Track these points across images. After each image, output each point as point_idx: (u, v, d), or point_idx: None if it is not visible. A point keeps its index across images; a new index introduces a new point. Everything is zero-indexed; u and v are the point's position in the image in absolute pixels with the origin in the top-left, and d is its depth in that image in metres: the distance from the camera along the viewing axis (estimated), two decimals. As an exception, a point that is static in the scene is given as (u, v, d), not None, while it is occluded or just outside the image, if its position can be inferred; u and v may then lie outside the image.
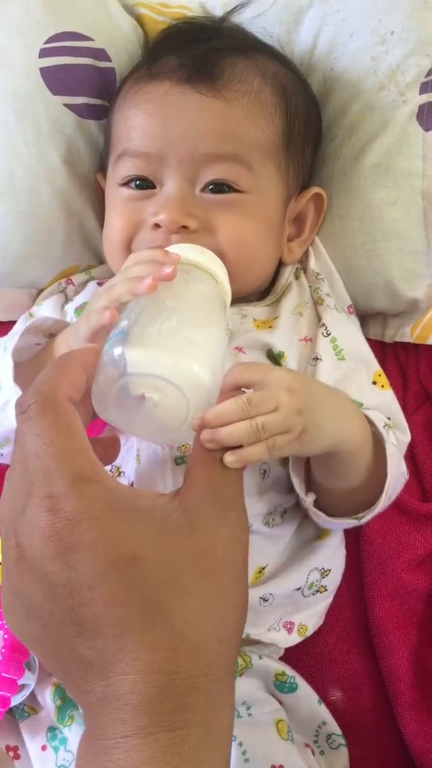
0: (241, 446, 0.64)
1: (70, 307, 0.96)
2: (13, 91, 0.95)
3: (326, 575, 0.89)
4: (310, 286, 0.97)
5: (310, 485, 0.83)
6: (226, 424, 0.63)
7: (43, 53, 0.95)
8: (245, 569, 0.63)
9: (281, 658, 0.89)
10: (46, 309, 0.97)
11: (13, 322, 0.98)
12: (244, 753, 0.75)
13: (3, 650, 0.81)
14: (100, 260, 1.04)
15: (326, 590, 0.89)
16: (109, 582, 0.55)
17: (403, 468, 0.84)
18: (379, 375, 0.90)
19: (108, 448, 0.72)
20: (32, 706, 0.86)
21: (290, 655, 0.89)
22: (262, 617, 0.85)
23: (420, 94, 0.94)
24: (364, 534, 0.95)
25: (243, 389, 0.67)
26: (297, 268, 0.98)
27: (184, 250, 0.78)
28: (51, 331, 0.88)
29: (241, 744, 0.76)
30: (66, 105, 0.97)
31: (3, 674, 0.80)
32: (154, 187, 0.88)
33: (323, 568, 0.89)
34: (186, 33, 0.95)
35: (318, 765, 0.82)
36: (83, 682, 0.56)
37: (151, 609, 0.55)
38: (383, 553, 0.94)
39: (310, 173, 0.99)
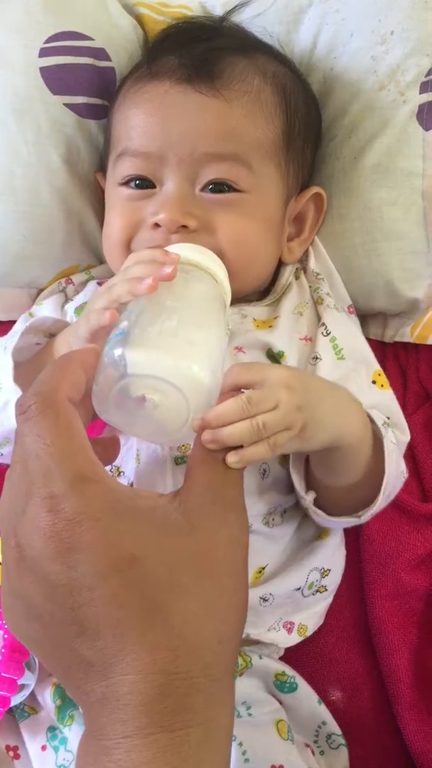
0: (241, 446, 0.64)
1: (70, 307, 0.96)
2: (12, 90, 0.95)
3: (326, 575, 0.89)
4: (310, 286, 0.97)
5: (309, 484, 0.83)
6: (227, 424, 0.63)
7: (43, 53, 0.95)
8: (245, 569, 0.63)
9: (281, 658, 0.89)
10: (46, 309, 0.97)
11: (13, 322, 0.98)
12: (244, 753, 0.75)
13: (3, 650, 0.81)
14: (100, 260, 1.04)
15: (326, 590, 0.89)
16: (109, 582, 0.55)
17: (403, 467, 0.84)
18: (379, 374, 0.90)
19: (108, 448, 0.72)
20: (32, 705, 0.86)
21: (290, 655, 0.89)
22: (262, 617, 0.85)
23: (420, 93, 0.94)
24: (364, 534, 0.95)
25: (243, 389, 0.67)
26: (297, 268, 0.98)
27: (184, 250, 0.78)
28: (51, 331, 0.88)
29: (241, 744, 0.76)
30: (66, 104, 0.97)
31: (3, 674, 0.80)
32: (153, 186, 0.88)
33: (323, 568, 0.89)
34: (186, 32, 0.95)
35: (318, 765, 0.82)
36: (83, 682, 0.56)
37: (151, 609, 0.55)
38: (383, 552, 0.94)
39: (310, 173, 0.99)
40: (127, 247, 0.88)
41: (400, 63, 0.94)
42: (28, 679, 0.82)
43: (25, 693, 0.83)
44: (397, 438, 0.83)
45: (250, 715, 0.81)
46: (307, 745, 0.83)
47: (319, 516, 0.82)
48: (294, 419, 0.66)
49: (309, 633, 0.89)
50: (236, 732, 0.63)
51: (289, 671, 0.86)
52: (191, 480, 0.62)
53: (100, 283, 0.96)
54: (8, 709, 0.82)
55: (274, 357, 0.88)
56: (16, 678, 0.80)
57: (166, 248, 0.79)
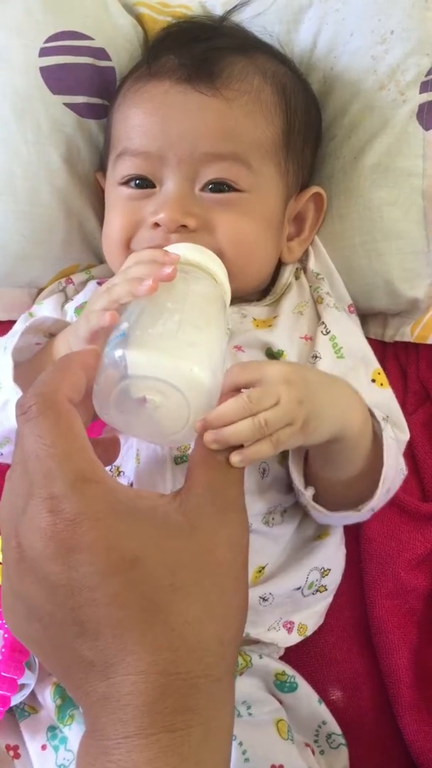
0: (242, 446, 0.64)
1: (70, 307, 0.96)
2: (12, 90, 0.95)
3: (326, 575, 0.89)
4: (310, 286, 0.97)
5: (308, 480, 0.83)
6: (229, 424, 0.63)
7: (43, 52, 0.95)
8: (245, 570, 0.63)
9: (281, 658, 0.89)
10: (46, 308, 0.98)
11: (13, 322, 0.98)
12: (244, 752, 0.75)
13: (3, 650, 0.81)
14: (100, 259, 1.04)
15: (326, 590, 0.89)
16: (109, 583, 0.55)
17: (402, 464, 0.84)
18: (378, 373, 0.90)
19: (108, 448, 0.72)
20: (32, 705, 0.86)
21: (290, 655, 0.89)
22: (261, 617, 0.85)
23: (420, 93, 0.94)
24: (364, 533, 0.95)
25: (243, 389, 0.67)
26: (297, 268, 0.98)
27: (184, 250, 0.78)
28: (51, 331, 0.88)
29: (241, 743, 0.76)
30: (66, 104, 0.97)
31: (3, 673, 0.80)
32: (153, 186, 0.88)
33: (323, 568, 0.89)
34: (186, 32, 0.95)
35: (318, 764, 0.82)
36: (84, 682, 0.56)
37: (152, 610, 0.55)
38: (383, 552, 0.94)
39: (310, 173, 0.99)
40: (127, 247, 0.88)
41: (400, 62, 0.94)
42: (28, 679, 0.82)
43: (26, 692, 0.83)
44: (396, 436, 0.83)
45: (250, 714, 0.81)
46: (307, 745, 0.83)
47: (319, 511, 0.82)
48: (296, 414, 0.66)
49: (309, 633, 0.89)
50: (236, 731, 0.63)
51: (289, 671, 0.86)
52: (192, 480, 0.62)
53: (100, 283, 0.96)
54: (8, 709, 0.82)
55: (274, 356, 0.88)
56: (16, 677, 0.80)
57: (165, 248, 0.79)
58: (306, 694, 0.86)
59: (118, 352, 0.62)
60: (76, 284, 1.02)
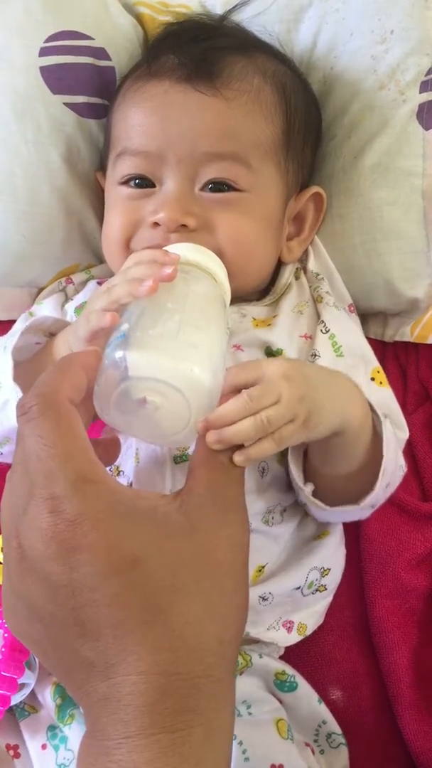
0: (242, 445, 0.64)
1: (70, 306, 0.96)
2: (13, 90, 0.95)
3: (326, 574, 0.89)
4: (310, 285, 0.97)
5: (308, 476, 0.83)
6: (231, 424, 0.63)
7: (43, 52, 0.95)
8: (246, 570, 0.63)
9: (281, 657, 0.89)
10: (46, 308, 0.97)
11: (13, 322, 0.98)
12: (244, 752, 0.76)
13: (3, 649, 0.81)
14: (100, 259, 1.04)
15: (326, 589, 0.89)
16: (110, 583, 0.55)
17: (401, 461, 0.84)
18: (378, 372, 0.90)
19: (109, 449, 0.72)
20: (32, 704, 0.86)
21: (290, 654, 0.89)
22: (261, 616, 0.85)
23: (420, 93, 0.94)
24: (364, 533, 0.96)
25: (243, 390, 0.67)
26: (297, 268, 0.98)
27: (184, 250, 0.78)
28: (51, 331, 0.88)
29: (241, 743, 0.76)
30: (66, 104, 0.97)
31: (3, 673, 0.80)
32: (153, 185, 0.88)
33: (323, 567, 0.89)
34: (186, 32, 0.95)
35: (318, 764, 0.82)
36: (85, 682, 0.56)
37: (152, 610, 0.56)
38: (383, 552, 0.94)
39: (310, 172, 0.99)
40: (127, 246, 0.88)
41: (400, 62, 0.94)
42: (28, 678, 0.82)
43: (26, 692, 0.83)
44: (395, 434, 0.83)
45: (250, 714, 0.81)
46: (307, 744, 0.83)
47: (318, 507, 0.82)
48: (297, 410, 0.66)
49: (309, 632, 0.89)
50: (236, 731, 0.63)
51: (289, 670, 0.86)
52: (193, 481, 0.62)
53: (100, 283, 0.97)
54: (8, 708, 0.82)
55: (273, 355, 0.88)
56: (16, 677, 0.81)
57: (165, 248, 0.79)
58: (306, 693, 0.86)
59: (119, 354, 0.62)
60: (76, 284, 1.02)
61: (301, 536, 0.89)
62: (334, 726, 0.86)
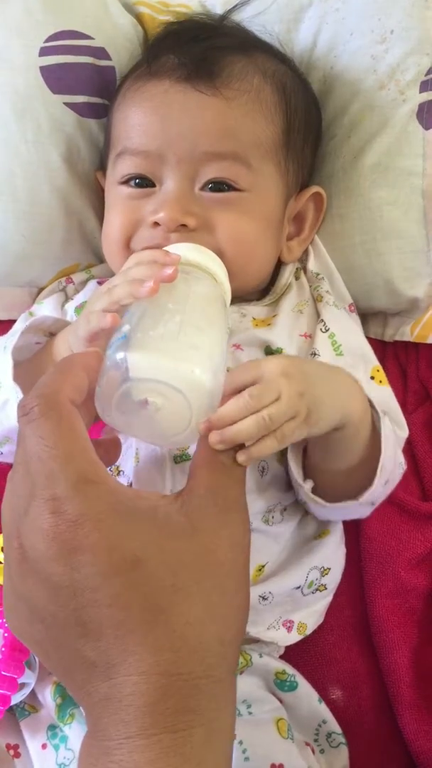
0: (243, 445, 0.64)
1: (70, 306, 0.96)
2: (13, 90, 0.95)
3: (326, 574, 0.89)
4: (310, 285, 0.97)
5: (307, 474, 0.83)
6: (233, 423, 0.63)
7: (43, 52, 0.95)
8: (247, 570, 0.63)
9: (281, 657, 0.89)
10: (46, 308, 0.98)
11: (13, 321, 0.98)
12: (244, 751, 0.76)
13: (3, 649, 0.81)
14: (100, 259, 1.04)
15: (326, 589, 0.90)
16: (111, 584, 0.55)
17: (401, 458, 0.85)
18: (378, 370, 0.90)
19: (109, 449, 0.72)
20: (32, 704, 0.86)
21: (291, 654, 0.89)
22: (261, 615, 0.85)
23: (420, 92, 0.94)
24: (364, 532, 0.96)
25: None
26: (297, 268, 0.98)
27: (184, 250, 0.78)
28: (51, 330, 0.88)
29: (241, 742, 0.76)
30: (66, 104, 0.97)
31: (3, 673, 0.80)
32: (153, 185, 0.88)
33: (323, 567, 0.89)
34: (185, 31, 0.95)
35: (318, 763, 0.82)
36: (86, 683, 0.56)
37: (153, 611, 0.56)
38: (383, 551, 0.94)
39: (310, 172, 0.99)
40: (127, 246, 0.88)
41: (400, 62, 0.94)
42: (29, 678, 0.82)
43: (26, 691, 0.83)
44: (395, 432, 0.83)
45: (250, 713, 0.81)
46: (307, 744, 0.83)
47: (318, 504, 0.82)
48: (298, 407, 0.67)
49: (309, 631, 0.89)
50: (236, 730, 0.63)
51: (290, 670, 0.87)
52: (193, 481, 0.62)
53: (100, 282, 0.97)
54: (8, 708, 0.82)
55: (273, 354, 0.88)
56: (16, 676, 0.80)
57: (166, 248, 0.79)
58: (306, 693, 0.86)
59: (120, 355, 0.62)
60: (76, 284, 1.02)
61: (302, 535, 0.89)
62: (334, 725, 0.86)
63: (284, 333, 0.89)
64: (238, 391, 0.66)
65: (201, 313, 0.69)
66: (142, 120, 0.88)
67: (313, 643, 0.91)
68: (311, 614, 0.89)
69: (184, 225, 0.84)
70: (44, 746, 0.83)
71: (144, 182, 0.88)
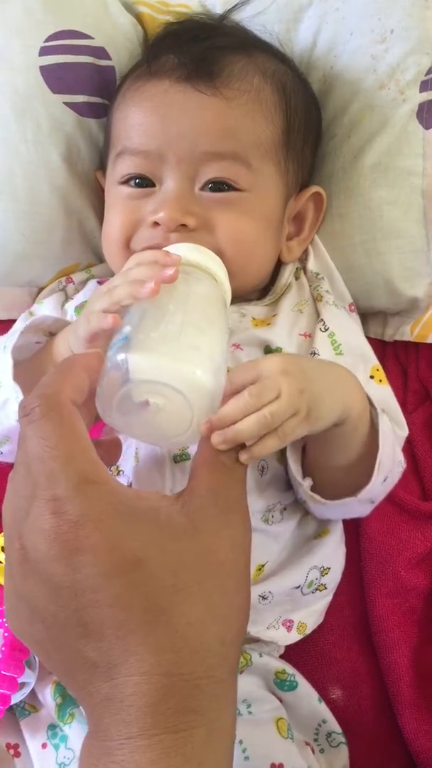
0: (244, 445, 0.64)
1: (70, 306, 0.96)
2: (12, 89, 0.95)
3: (326, 573, 0.89)
4: (310, 285, 0.97)
5: (306, 472, 0.83)
6: (234, 423, 0.63)
7: (43, 52, 0.95)
8: (248, 570, 0.63)
9: (281, 656, 0.89)
10: (46, 307, 0.97)
11: (13, 321, 0.98)
12: (244, 751, 0.76)
13: (3, 648, 0.81)
14: (100, 258, 1.04)
15: (326, 588, 0.90)
16: (113, 584, 0.55)
17: (400, 456, 0.85)
18: (377, 370, 0.90)
19: (110, 450, 0.72)
20: (32, 703, 0.86)
21: (290, 654, 0.89)
22: (261, 615, 0.85)
23: (420, 92, 0.94)
24: (364, 532, 0.96)
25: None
26: (297, 268, 0.98)
27: (184, 250, 0.78)
28: (51, 330, 0.88)
29: (241, 742, 0.76)
30: (66, 103, 0.97)
31: (3, 672, 0.80)
32: (153, 185, 0.88)
33: (323, 567, 0.89)
34: (185, 31, 0.95)
35: (318, 763, 0.82)
36: (87, 683, 0.56)
37: (155, 611, 0.56)
38: (383, 551, 0.94)
39: (310, 172, 0.99)
40: (127, 246, 0.88)
41: (400, 62, 0.94)
42: (29, 677, 0.82)
43: (26, 691, 0.83)
44: (394, 430, 0.83)
45: (250, 713, 0.81)
46: (307, 744, 0.83)
47: (317, 501, 0.82)
48: (299, 404, 0.67)
49: (309, 631, 0.89)
50: (236, 730, 0.63)
51: (290, 669, 0.87)
52: (195, 482, 0.62)
53: (100, 282, 0.97)
54: (8, 707, 0.82)
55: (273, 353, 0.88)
56: (16, 676, 0.80)
57: (166, 248, 0.79)
58: (306, 692, 0.86)
59: (121, 356, 0.62)
60: (76, 283, 1.02)
61: (301, 535, 0.89)
62: (334, 725, 0.86)
63: (284, 332, 0.89)
64: (239, 390, 0.66)
65: (201, 313, 0.69)
66: (142, 120, 0.88)
67: (313, 643, 0.91)
68: (311, 614, 0.89)
69: (183, 225, 0.84)
70: (44, 746, 0.83)
71: (144, 182, 0.88)
